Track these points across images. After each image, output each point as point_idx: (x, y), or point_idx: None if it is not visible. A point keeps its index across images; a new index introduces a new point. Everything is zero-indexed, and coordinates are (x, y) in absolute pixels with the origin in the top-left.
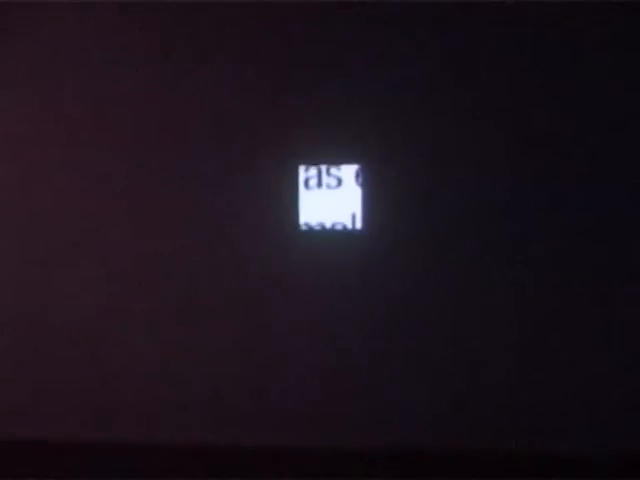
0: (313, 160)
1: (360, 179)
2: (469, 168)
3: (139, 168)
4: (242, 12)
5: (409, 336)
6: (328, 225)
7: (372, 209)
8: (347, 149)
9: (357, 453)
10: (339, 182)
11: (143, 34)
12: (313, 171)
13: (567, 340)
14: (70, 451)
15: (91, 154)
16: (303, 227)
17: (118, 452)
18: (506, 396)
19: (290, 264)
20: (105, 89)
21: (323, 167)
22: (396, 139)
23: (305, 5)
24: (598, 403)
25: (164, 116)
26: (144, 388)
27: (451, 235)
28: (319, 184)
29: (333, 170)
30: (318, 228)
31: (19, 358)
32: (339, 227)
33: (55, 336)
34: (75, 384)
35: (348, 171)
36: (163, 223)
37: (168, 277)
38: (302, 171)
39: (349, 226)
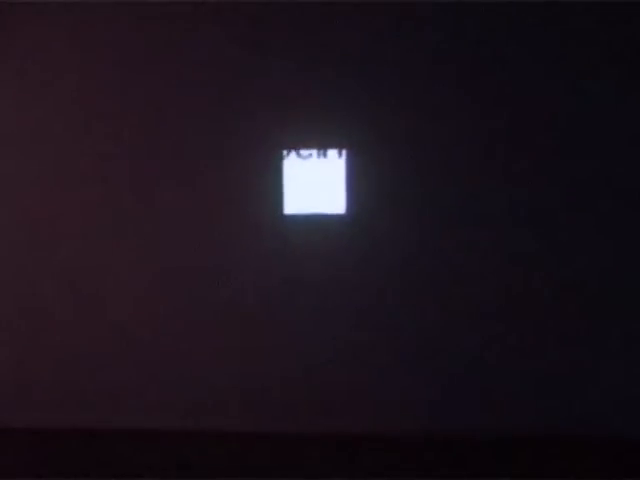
0: (298, 145)
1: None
2: (456, 154)
3: (124, 156)
4: (230, 7)
5: (397, 321)
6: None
7: (356, 193)
8: (332, 134)
9: (349, 438)
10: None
11: (136, 30)
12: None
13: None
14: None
15: (83, 141)
16: (287, 212)
17: (118, 440)
18: (495, 383)
19: (274, 249)
20: (99, 84)
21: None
22: (381, 124)
23: None
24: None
25: (150, 106)
26: (131, 376)
27: (436, 219)
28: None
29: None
30: (302, 213)
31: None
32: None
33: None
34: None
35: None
36: (148, 208)
37: (154, 260)
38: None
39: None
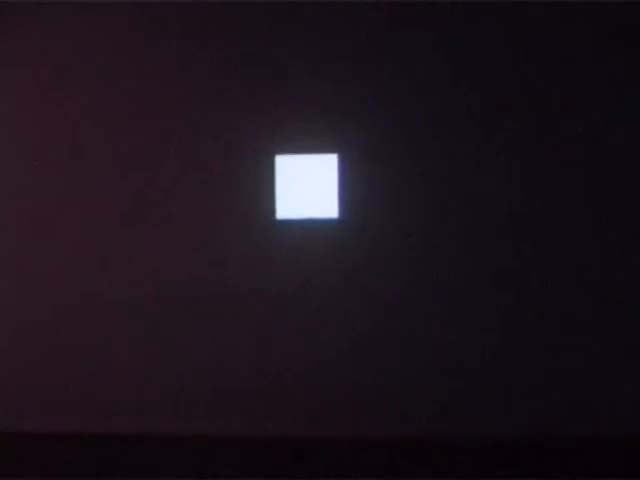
0: (291, 150)
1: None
2: (453, 157)
3: (119, 157)
4: (225, 8)
5: (394, 325)
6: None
7: (350, 198)
8: (325, 138)
9: (345, 443)
10: None
11: (135, 33)
12: None
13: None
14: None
15: (81, 145)
16: (279, 217)
17: (119, 443)
18: (488, 384)
19: (267, 254)
20: (100, 87)
21: None
22: (375, 128)
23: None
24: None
25: (148, 109)
26: (135, 380)
27: (433, 223)
28: None
29: None
30: (294, 218)
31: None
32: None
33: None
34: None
35: None
36: (141, 211)
37: (147, 265)
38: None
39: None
